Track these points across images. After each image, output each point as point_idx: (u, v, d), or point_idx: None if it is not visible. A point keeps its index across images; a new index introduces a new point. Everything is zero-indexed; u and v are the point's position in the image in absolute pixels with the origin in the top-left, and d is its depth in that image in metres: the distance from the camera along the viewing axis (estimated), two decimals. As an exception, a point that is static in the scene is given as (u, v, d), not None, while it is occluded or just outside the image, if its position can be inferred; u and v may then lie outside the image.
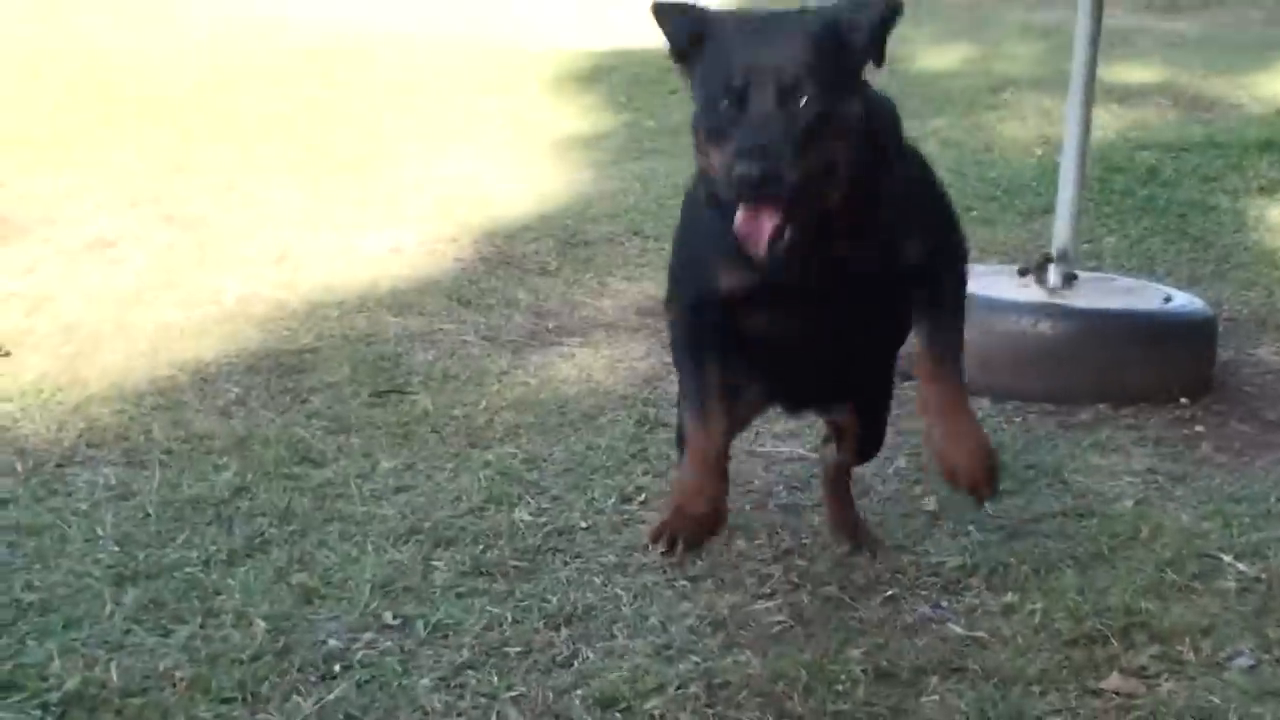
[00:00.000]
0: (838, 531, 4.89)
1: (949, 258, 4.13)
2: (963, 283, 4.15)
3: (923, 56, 14.52)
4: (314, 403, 5.97)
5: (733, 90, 3.45)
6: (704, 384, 4.02)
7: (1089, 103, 6.74)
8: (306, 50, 13.78)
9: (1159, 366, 6.44)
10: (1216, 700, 4.05)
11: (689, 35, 3.63)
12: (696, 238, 4.04)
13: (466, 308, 7.36)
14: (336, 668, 4.03)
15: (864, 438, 4.76)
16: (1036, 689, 4.08)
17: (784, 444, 5.74)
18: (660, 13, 3.71)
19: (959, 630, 4.36)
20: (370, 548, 4.72)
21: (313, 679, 3.97)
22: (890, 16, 3.59)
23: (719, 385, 4.04)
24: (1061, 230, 6.71)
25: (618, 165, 10.59)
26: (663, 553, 4.01)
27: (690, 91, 3.69)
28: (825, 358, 4.21)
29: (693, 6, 3.72)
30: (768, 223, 3.47)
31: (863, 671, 4.11)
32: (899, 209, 3.87)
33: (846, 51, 3.57)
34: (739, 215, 3.48)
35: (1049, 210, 7.04)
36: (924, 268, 3.99)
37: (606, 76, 13.20)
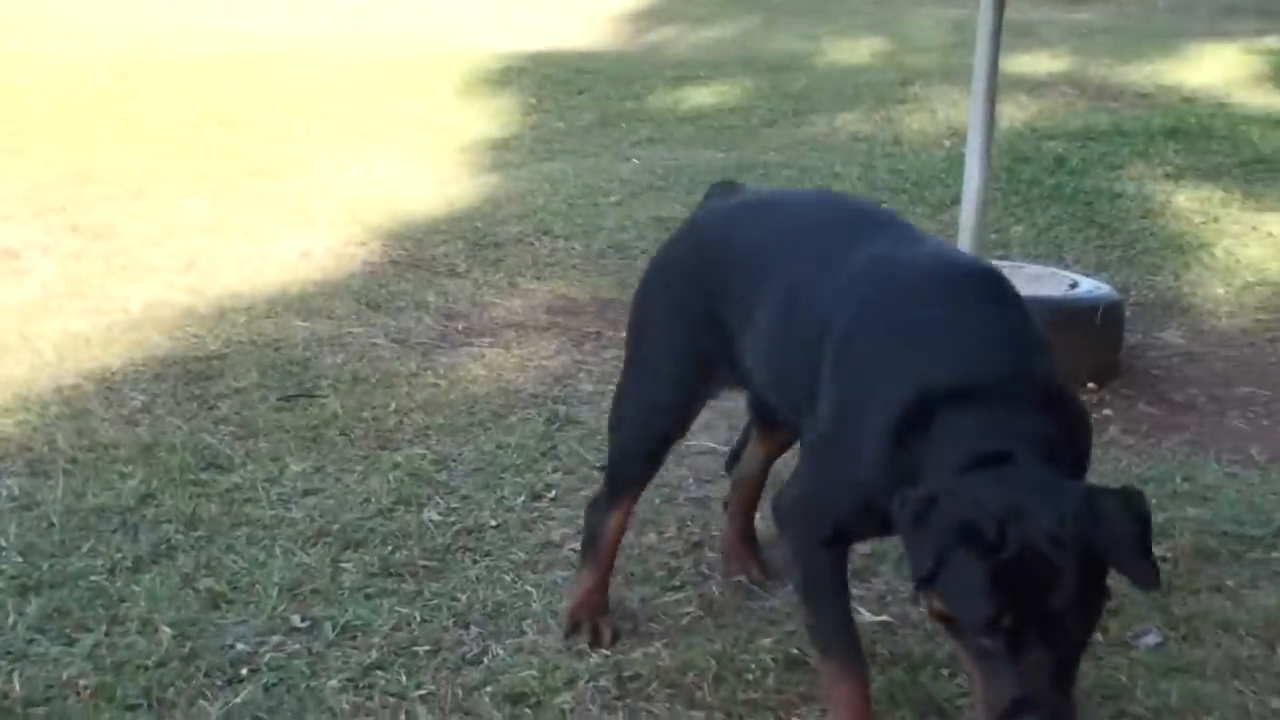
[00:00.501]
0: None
1: None
2: None
3: (831, 51, 14.57)
4: (221, 409, 5.93)
5: (1003, 628, 3.11)
6: (848, 629, 3.76)
7: (992, 94, 6.76)
8: (214, 58, 13.67)
9: (1066, 352, 6.42)
10: (1124, 678, 4.09)
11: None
12: (843, 487, 3.63)
13: (376, 311, 7.33)
14: (243, 671, 4.01)
15: None
16: (945, 672, 4.10)
17: (693, 438, 5.72)
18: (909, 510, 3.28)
19: (869, 616, 4.38)
20: (278, 551, 4.70)
21: (219, 683, 3.95)
22: (1148, 532, 3.25)
23: (853, 622, 3.83)
24: (968, 221, 6.73)
25: (527, 167, 10.56)
26: None
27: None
28: None
29: (940, 503, 3.23)
30: None
31: (773, 660, 4.12)
32: None
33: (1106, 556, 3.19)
34: None
35: (958, 201, 7.06)
36: None
37: (516, 79, 13.16)
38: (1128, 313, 7.30)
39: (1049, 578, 3.09)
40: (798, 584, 3.87)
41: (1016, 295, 3.66)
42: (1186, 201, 9.08)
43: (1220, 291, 7.80)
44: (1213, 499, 5.27)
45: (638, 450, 4.35)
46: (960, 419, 3.34)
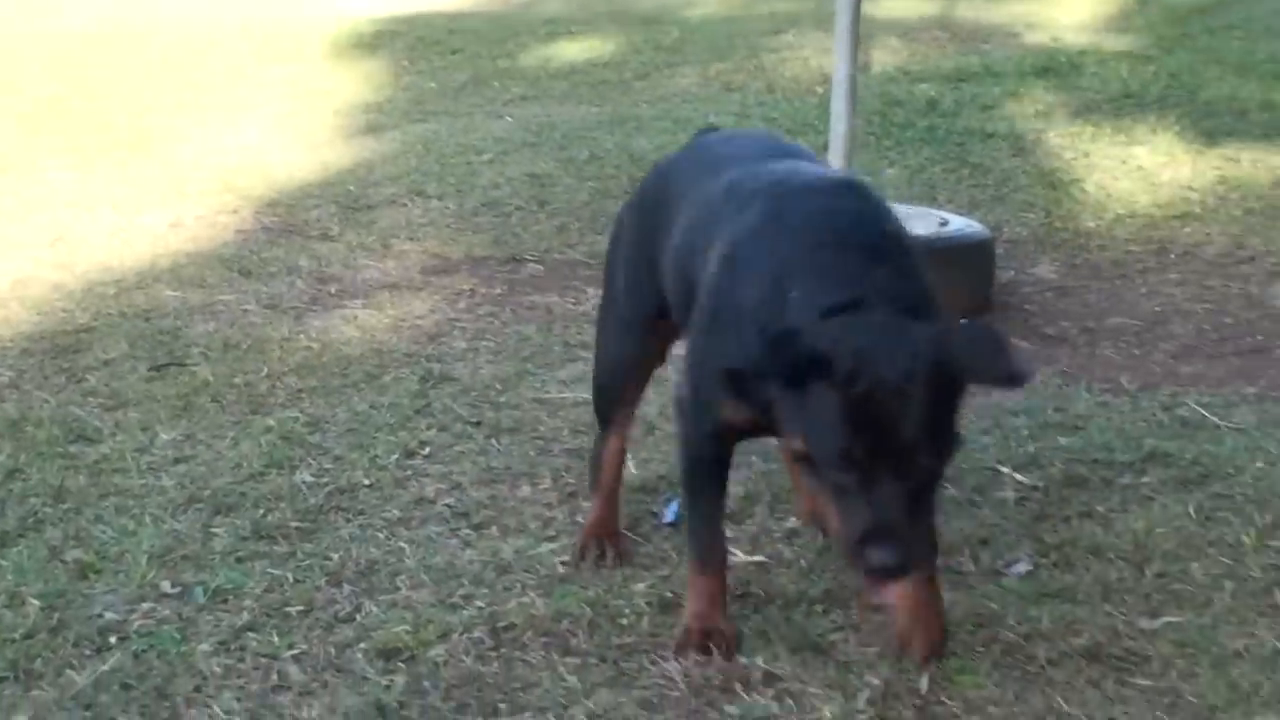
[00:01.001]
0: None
1: None
2: None
3: (703, 2, 14.54)
4: (90, 381, 5.86)
5: (854, 460, 3.25)
6: (712, 525, 3.95)
7: (855, 37, 6.78)
8: (82, 32, 13.51)
9: (937, 288, 6.49)
10: (995, 606, 4.12)
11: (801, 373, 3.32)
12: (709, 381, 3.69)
13: (247, 278, 7.27)
14: (112, 640, 3.97)
15: None
16: (820, 608, 4.12)
17: (569, 389, 5.73)
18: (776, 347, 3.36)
19: (742, 557, 4.38)
20: (148, 519, 4.65)
21: (87, 652, 3.91)
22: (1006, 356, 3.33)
23: (721, 521, 4.01)
24: (837, 164, 6.74)
25: (400, 129, 10.49)
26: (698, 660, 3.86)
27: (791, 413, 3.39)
28: None
29: (796, 340, 3.33)
30: (886, 587, 3.45)
31: (647, 604, 4.12)
32: None
33: (961, 389, 3.35)
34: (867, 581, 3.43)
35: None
36: None
37: (387, 42, 13.05)
38: (1000, 250, 7.35)
39: (901, 411, 3.21)
40: (681, 474, 4.07)
41: (879, 204, 3.80)
42: (1057, 138, 9.14)
43: (1091, 225, 7.86)
44: (1083, 428, 5.31)
45: (612, 377, 4.53)
46: (817, 286, 3.45)
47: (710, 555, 3.94)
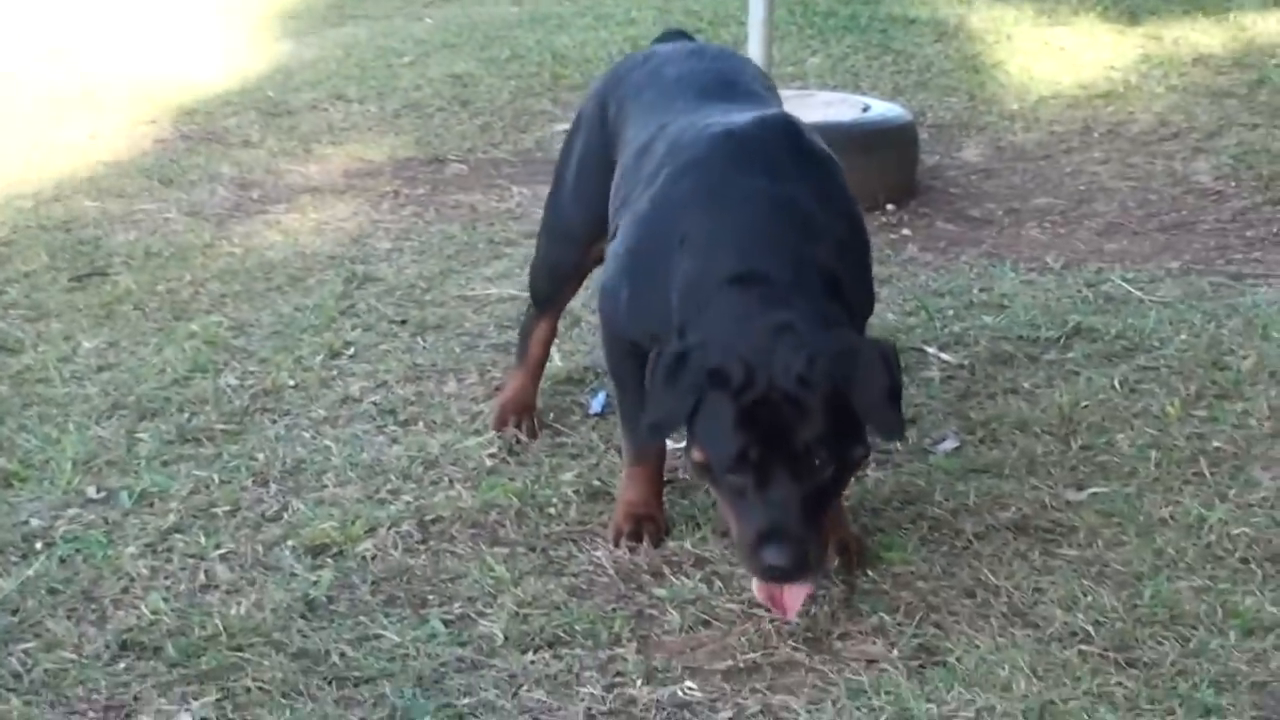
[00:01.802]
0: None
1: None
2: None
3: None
4: (11, 294, 5.79)
5: (749, 463, 3.30)
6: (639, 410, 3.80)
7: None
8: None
9: (862, 174, 6.46)
10: (922, 483, 4.14)
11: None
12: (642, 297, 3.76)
13: (168, 186, 7.19)
14: (38, 545, 3.93)
15: None
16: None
17: (494, 285, 5.71)
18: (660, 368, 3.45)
19: (669, 444, 4.36)
20: (72, 427, 4.61)
21: (13, 559, 3.87)
22: (897, 383, 3.42)
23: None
24: (756, 53, 6.70)
25: (318, 34, 10.39)
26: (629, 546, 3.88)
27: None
28: None
29: (689, 357, 3.41)
30: (794, 594, 3.41)
31: (575, 493, 4.13)
32: None
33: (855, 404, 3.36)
34: (760, 586, 3.42)
35: (751, 37, 7.02)
36: None
37: (305, -54, 12.92)
38: (924, 134, 7.34)
39: (793, 416, 3.29)
40: (607, 365, 4.09)
41: (810, 153, 3.79)
42: (980, 23, 9.13)
43: (1015, 107, 7.86)
44: (1009, 306, 5.33)
45: (550, 277, 4.61)
46: (726, 257, 3.51)
47: (646, 452, 3.97)
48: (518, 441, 4.45)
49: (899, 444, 3.88)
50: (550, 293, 4.62)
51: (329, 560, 3.85)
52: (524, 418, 4.54)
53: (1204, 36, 8.35)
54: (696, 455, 3.43)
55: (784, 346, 3.34)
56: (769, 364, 3.32)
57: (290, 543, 3.93)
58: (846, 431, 3.36)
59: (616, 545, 3.88)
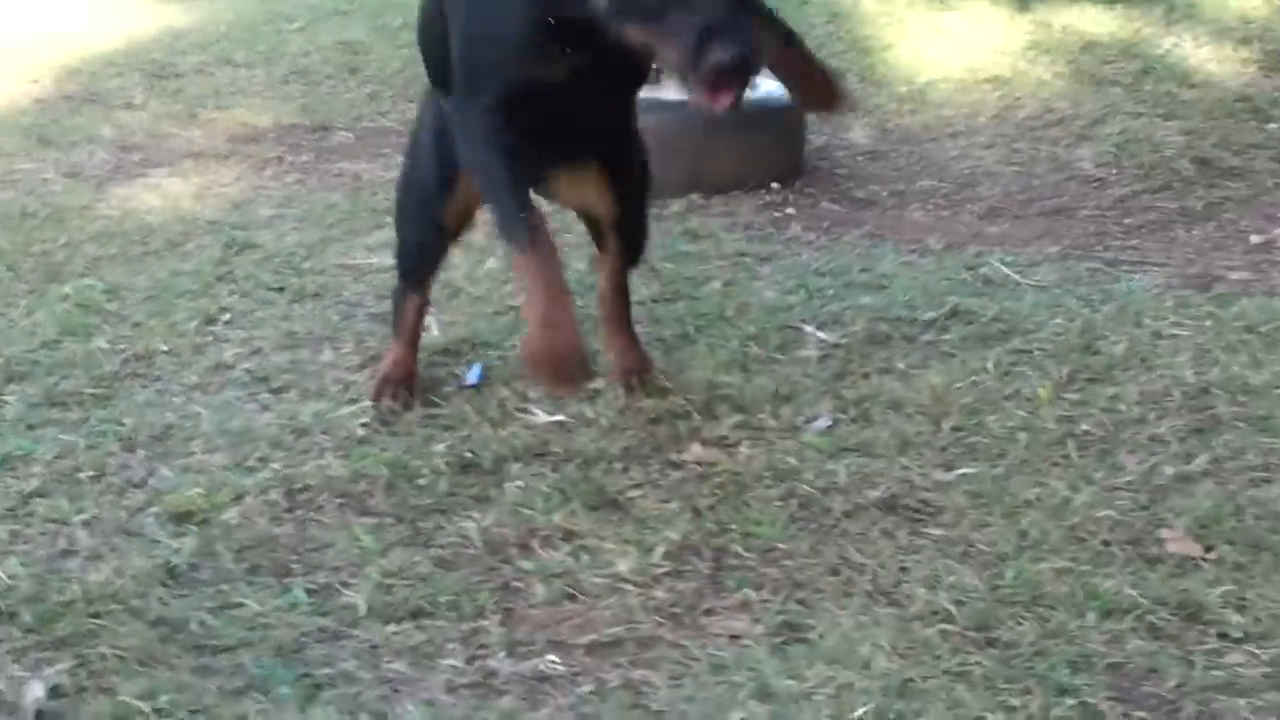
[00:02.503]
0: (617, 366, 4.56)
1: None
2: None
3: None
4: (-121, 251, 5.71)
5: None
6: (522, 198, 3.76)
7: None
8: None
9: (749, 153, 6.50)
10: (794, 461, 4.13)
11: None
12: (492, 27, 3.73)
13: (47, 146, 7.11)
14: (-104, 506, 3.88)
15: (623, 222, 4.38)
16: (619, 465, 4.12)
17: (375, 255, 5.67)
18: None
19: (543, 417, 4.37)
20: (-65, 388, 4.55)
21: (-126, 520, 3.82)
22: None
23: (529, 195, 3.83)
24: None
25: (208, -4, 10.31)
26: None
27: None
28: (582, 121, 3.94)
29: None
30: (730, 92, 3.32)
31: (445, 464, 4.10)
32: None
33: None
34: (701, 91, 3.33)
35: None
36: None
37: (197, -91, 12.79)
38: (812, 115, 7.34)
39: None
40: (474, 171, 3.93)
41: None
42: (872, 5, 9.13)
43: (904, 90, 7.87)
44: (888, 286, 5.34)
45: (414, 231, 4.52)
46: None
47: (535, 233, 3.68)
48: (392, 412, 4.42)
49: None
50: (420, 263, 4.56)
51: (193, 528, 3.81)
52: (402, 388, 4.50)
53: (1092, 24, 8.39)
54: (636, 35, 3.39)
55: None
56: None
57: (154, 509, 3.89)
58: None
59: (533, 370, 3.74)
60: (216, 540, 3.75)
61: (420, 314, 4.62)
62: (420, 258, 4.55)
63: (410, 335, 4.58)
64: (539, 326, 3.65)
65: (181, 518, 3.85)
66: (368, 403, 4.46)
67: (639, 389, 4.22)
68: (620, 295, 4.54)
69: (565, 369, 3.67)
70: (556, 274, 3.68)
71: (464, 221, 4.45)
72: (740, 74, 3.30)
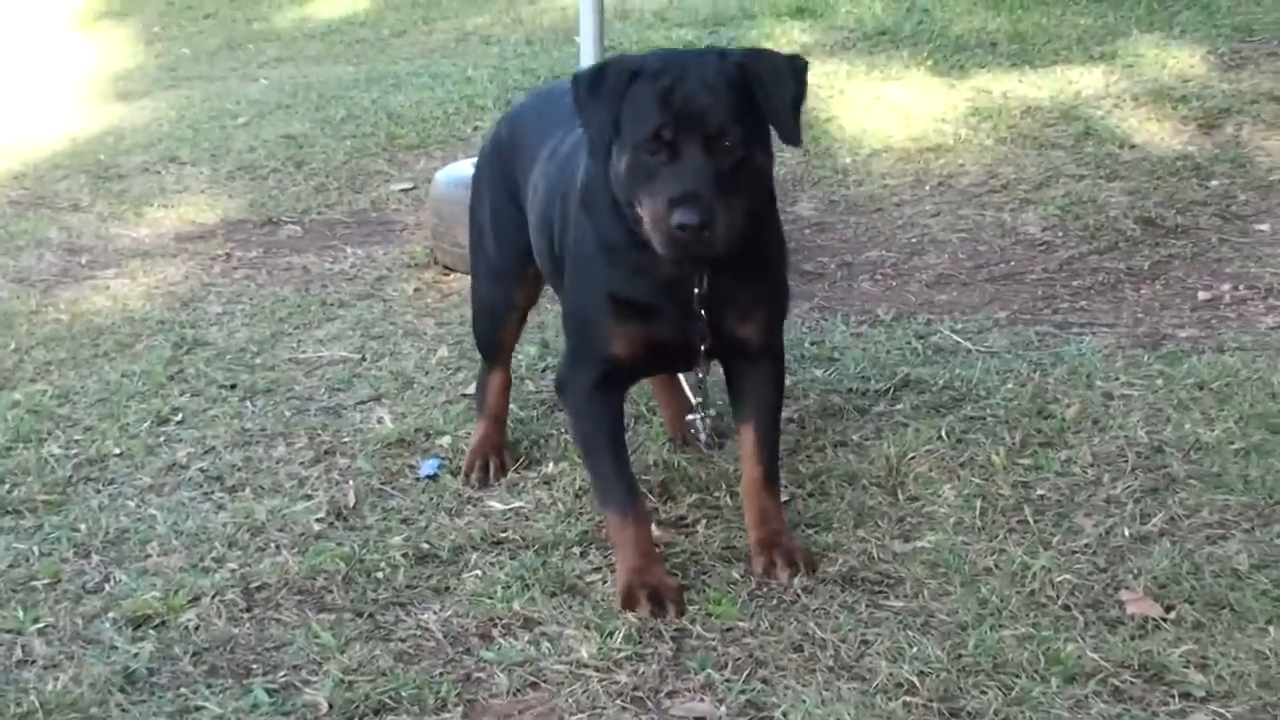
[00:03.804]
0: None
1: (780, 347, 4.22)
2: (784, 377, 4.27)
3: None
4: None
5: (663, 141, 3.63)
6: (623, 473, 4.02)
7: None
8: None
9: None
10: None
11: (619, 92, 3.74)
12: (592, 299, 4.00)
13: (-6, 252, 7.10)
14: None
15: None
16: (577, 550, 4.12)
17: (326, 348, 5.66)
18: (582, 84, 3.84)
19: (499, 506, 4.36)
20: (-112, 501, 4.52)
21: None
22: (803, 93, 3.83)
23: (629, 465, 4.08)
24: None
25: (151, 96, 10.31)
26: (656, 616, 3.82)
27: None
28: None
29: (609, 63, 3.88)
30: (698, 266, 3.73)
31: (403, 556, 4.09)
32: (771, 266, 4.06)
33: (761, 105, 3.73)
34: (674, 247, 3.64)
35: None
36: (767, 348, 4.11)
37: (138, 8, 12.84)
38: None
39: (706, 99, 3.65)
40: (576, 439, 4.24)
41: None
42: (813, 78, 9.05)
43: (848, 161, 7.90)
44: (839, 359, 5.35)
45: (490, 322, 4.73)
46: None
47: (632, 503, 3.97)
48: (482, 484, 4.55)
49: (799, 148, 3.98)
50: (494, 339, 4.74)
51: (151, 631, 3.79)
52: (494, 458, 4.63)
53: (1031, 89, 8.44)
54: (619, 162, 3.73)
55: (699, 54, 3.85)
56: (684, 61, 3.76)
57: (111, 614, 3.87)
58: (755, 127, 3.72)
59: (635, 613, 3.81)
60: (175, 643, 3.73)
61: (504, 392, 4.78)
62: (497, 331, 4.73)
63: (495, 411, 4.74)
64: (634, 574, 3.88)
65: (139, 622, 3.82)
66: (323, 497, 4.44)
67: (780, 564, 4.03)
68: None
69: (660, 602, 3.82)
70: (647, 537, 3.98)
71: (532, 300, 4.67)
72: (695, 239, 3.59)
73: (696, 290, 3.83)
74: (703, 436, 4.37)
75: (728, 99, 3.65)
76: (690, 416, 4.40)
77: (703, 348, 3.94)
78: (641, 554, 3.91)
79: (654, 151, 3.64)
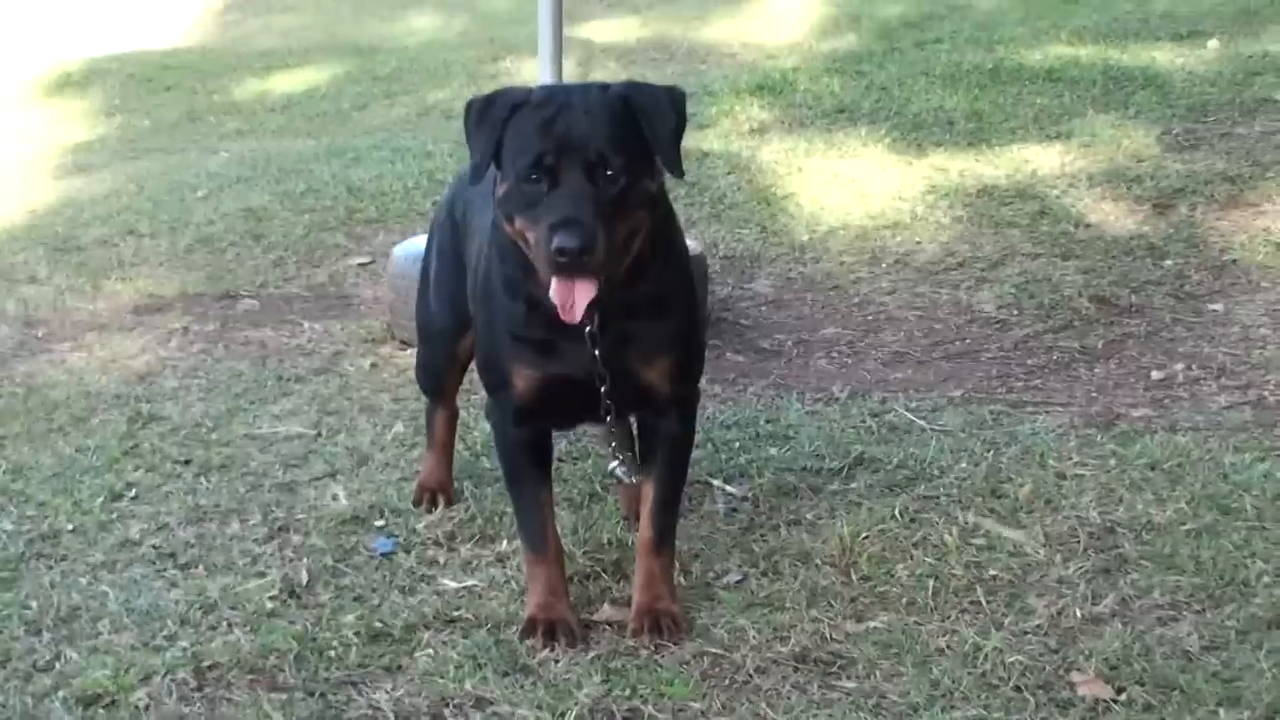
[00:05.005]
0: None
1: (690, 403, 4.25)
2: (692, 438, 4.30)
3: (420, 31, 14.51)
4: None
5: (545, 168, 3.72)
6: (538, 513, 4.18)
7: (559, 59, 6.82)
8: None
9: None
10: (706, 618, 4.14)
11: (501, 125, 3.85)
12: (495, 337, 4.15)
13: (-50, 326, 7.09)
14: None
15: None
16: (530, 630, 4.10)
17: (282, 424, 5.66)
18: (472, 111, 3.96)
19: (452, 584, 4.36)
20: None
21: None
22: (682, 124, 3.92)
23: (548, 506, 4.23)
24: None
25: (110, 168, 10.32)
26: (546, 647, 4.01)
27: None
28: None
29: (498, 94, 3.97)
30: (582, 293, 3.72)
31: (355, 635, 4.08)
32: (673, 307, 4.08)
33: (644, 135, 3.81)
34: (555, 286, 3.72)
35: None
36: (672, 400, 4.13)
37: (98, 80, 12.86)
38: (716, 266, 7.41)
39: (588, 126, 3.75)
40: (503, 474, 4.33)
41: None
42: (771, 155, 9.22)
43: (805, 238, 7.94)
44: (794, 437, 5.37)
45: (434, 373, 4.97)
46: None
47: (543, 543, 4.15)
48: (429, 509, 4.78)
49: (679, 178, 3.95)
50: (438, 385, 4.97)
51: (101, 711, 3.77)
52: (441, 493, 4.90)
53: (988, 168, 8.51)
54: (500, 190, 3.84)
55: (583, 87, 3.98)
56: (568, 93, 3.90)
57: (62, 693, 3.84)
58: (638, 155, 3.79)
59: (531, 645, 4.01)
60: (125, 724, 3.71)
61: (448, 426, 5.02)
62: (440, 379, 4.95)
63: (441, 446, 4.99)
64: (539, 609, 4.08)
65: (89, 701, 3.80)
66: (276, 575, 4.43)
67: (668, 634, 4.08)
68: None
69: (556, 636, 4.01)
70: (558, 576, 4.17)
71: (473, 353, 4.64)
72: (577, 264, 3.67)
73: (589, 328, 3.86)
74: (632, 480, 4.37)
75: (609, 128, 3.75)
76: (611, 465, 4.41)
77: (602, 389, 3.97)
78: (549, 590, 4.11)
79: (536, 179, 3.72)
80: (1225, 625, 4.02)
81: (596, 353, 3.92)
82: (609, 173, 3.71)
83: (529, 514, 4.18)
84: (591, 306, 3.76)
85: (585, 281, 3.71)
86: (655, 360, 4.04)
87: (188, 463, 5.33)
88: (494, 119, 3.85)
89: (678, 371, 4.10)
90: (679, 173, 3.87)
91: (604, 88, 3.89)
